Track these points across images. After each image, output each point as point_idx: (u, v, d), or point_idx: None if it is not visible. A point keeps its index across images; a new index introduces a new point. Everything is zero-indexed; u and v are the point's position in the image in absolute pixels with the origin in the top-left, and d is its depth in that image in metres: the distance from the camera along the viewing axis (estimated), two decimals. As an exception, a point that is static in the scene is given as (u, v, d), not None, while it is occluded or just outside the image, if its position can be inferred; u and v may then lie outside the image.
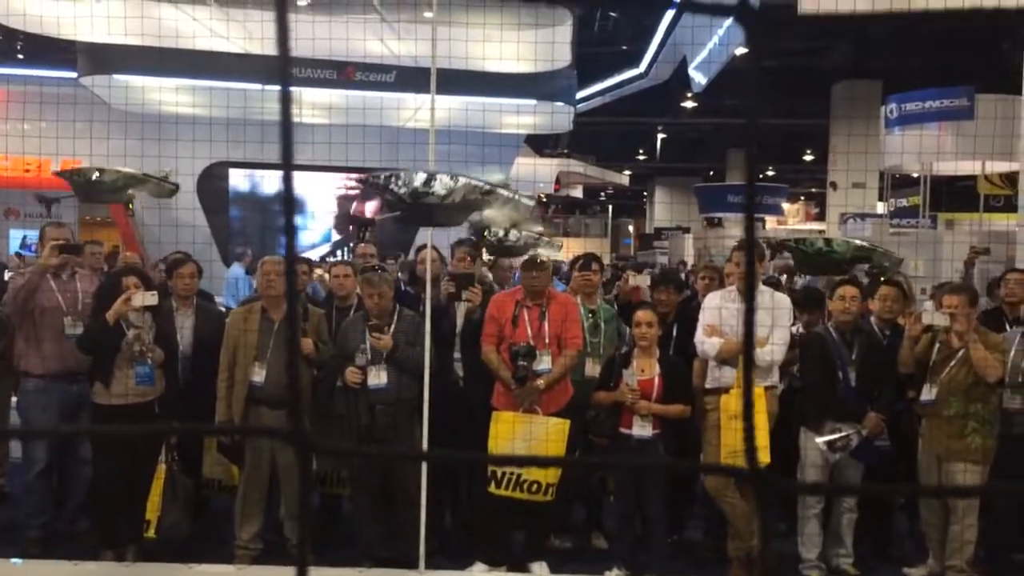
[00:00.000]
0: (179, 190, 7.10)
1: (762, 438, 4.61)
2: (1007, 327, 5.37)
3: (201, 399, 4.91)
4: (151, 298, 4.67)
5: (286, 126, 0.61)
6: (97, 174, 6.13)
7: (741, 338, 5.11)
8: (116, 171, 6.18)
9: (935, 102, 12.81)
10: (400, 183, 3.78)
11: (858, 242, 5.89)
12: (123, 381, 4.66)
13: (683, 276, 9.00)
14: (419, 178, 3.79)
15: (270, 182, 17.00)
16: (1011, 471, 4.74)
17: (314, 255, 13.95)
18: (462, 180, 3.85)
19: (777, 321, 4.79)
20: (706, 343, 4.86)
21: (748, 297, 0.77)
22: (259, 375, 4.79)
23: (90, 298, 4.97)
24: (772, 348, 4.74)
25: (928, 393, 4.72)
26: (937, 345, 4.76)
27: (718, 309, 4.90)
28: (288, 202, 0.66)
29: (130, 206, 7.16)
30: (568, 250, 16.72)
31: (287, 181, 0.65)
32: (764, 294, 4.93)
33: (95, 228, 17.02)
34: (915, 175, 16.53)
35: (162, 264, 6.04)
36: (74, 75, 13.80)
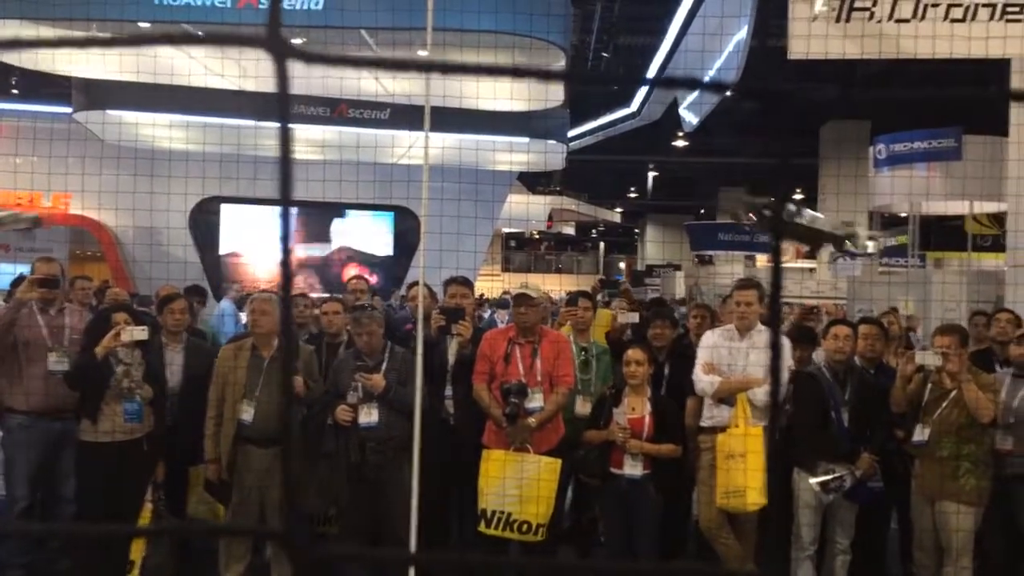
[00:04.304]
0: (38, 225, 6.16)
1: (756, 479, 4.57)
2: (996, 368, 5.37)
3: (190, 436, 4.85)
4: (140, 333, 4.62)
5: (285, 165, 0.60)
6: None
7: (739, 376, 5.05)
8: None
9: (923, 143, 12.88)
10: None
11: None
12: (111, 417, 4.60)
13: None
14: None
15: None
16: (1005, 512, 4.71)
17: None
18: None
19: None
20: (704, 381, 4.83)
21: (774, 336, 0.76)
22: (248, 413, 4.73)
23: (77, 333, 4.92)
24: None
25: (920, 434, 4.69)
26: (929, 385, 4.74)
27: (715, 348, 4.89)
28: (285, 239, 0.66)
29: None
30: (561, 287, 16.75)
31: (284, 218, 0.64)
32: (762, 333, 4.90)
33: (84, 263, 16.97)
34: (903, 215, 16.65)
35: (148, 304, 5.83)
36: (69, 110, 13.87)
